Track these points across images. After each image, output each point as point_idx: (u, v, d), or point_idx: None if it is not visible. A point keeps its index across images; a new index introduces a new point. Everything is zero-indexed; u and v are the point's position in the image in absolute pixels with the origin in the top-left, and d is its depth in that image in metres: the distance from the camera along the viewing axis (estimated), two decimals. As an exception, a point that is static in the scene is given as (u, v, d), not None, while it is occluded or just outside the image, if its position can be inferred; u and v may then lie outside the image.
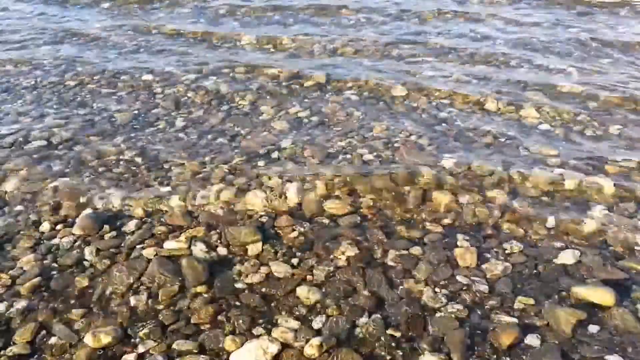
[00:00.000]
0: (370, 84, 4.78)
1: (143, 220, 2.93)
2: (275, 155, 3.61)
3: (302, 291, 2.41)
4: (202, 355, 2.10)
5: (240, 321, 2.25)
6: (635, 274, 2.53)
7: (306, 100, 4.51)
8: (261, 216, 2.95)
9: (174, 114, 4.26)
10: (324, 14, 7.16)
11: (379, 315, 2.28)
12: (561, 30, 6.44)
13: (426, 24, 6.78)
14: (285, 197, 3.09)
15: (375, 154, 3.57)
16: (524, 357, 2.09)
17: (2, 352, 2.12)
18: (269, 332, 2.19)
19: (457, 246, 2.69)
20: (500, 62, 5.40)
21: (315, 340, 2.12)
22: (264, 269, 2.55)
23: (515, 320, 2.25)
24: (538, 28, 6.53)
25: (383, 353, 2.11)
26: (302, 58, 5.62)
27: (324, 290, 2.43)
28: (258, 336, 2.17)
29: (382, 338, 2.18)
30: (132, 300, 2.38)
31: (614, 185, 3.18)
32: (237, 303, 2.36)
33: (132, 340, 2.18)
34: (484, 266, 2.57)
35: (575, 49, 5.80)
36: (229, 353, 2.10)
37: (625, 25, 6.71)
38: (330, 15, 7.13)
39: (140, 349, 2.13)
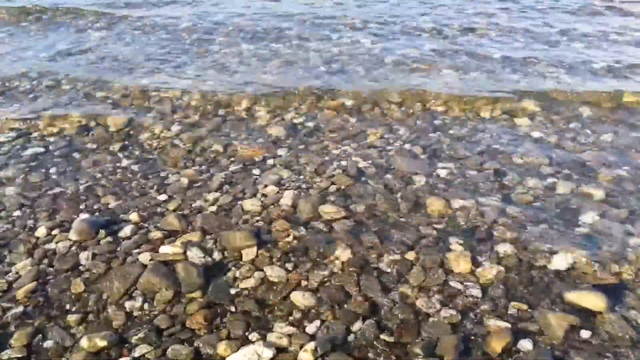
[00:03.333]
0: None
1: (139, 225, 2.94)
2: (271, 162, 3.65)
3: (296, 296, 2.42)
4: (197, 360, 2.11)
5: (235, 326, 2.27)
6: (627, 280, 2.55)
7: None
8: (257, 221, 2.96)
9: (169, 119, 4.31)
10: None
11: (373, 321, 2.30)
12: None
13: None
14: (280, 203, 3.11)
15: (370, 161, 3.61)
16: (516, 361, 2.11)
17: (-1, 356, 2.13)
18: (263, 337, 2.20)
19: (450, 251, 2.71)
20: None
21: (310, 345, 2.13)
22: (258, 274, 2.57)
23: (508, 325, 2.27)
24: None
25: (377, 358, 2.13)
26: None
27: (318, 295, 2.44)
28: (253, 341, 2.18)
29: (376, 343, 2.19)
30: (128, 305, 2.39)
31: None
32: (232, 308, 2.38)
33: (128, 344, 2.19)
34: (477, 271, 2.58)
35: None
36: (223, 358, 2.11)
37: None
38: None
39: (136, 353, 2.14)
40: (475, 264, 2.63)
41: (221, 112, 4.48)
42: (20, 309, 2.36)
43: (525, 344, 2.17)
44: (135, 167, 3.59)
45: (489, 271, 2.57)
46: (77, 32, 6.93)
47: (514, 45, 6.28)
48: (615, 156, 3.71)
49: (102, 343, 2.16)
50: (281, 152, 3.78)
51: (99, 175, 3.48)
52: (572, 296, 2.42)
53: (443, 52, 5.95)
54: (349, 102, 4.61)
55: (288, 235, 2.83)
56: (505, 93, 4.75)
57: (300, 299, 2.41)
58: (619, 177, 3.42)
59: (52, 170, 3.53)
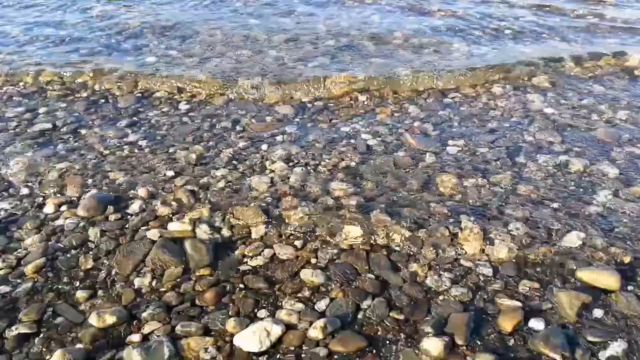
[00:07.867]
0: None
1: (147, 201, 2.93)
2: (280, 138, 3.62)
3: (306, 273, 2.41)
4: (206, 337, 2.10)
5: (244, 303, 2.26)
6: (640, 258, 2.52)
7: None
8: (265, 197, 2.94)
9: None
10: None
11: (382, 298, 2.28)
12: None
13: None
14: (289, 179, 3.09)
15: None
16: (528, 340, 2.09)
17: (8, 331, 2.13)
18: (272, 314, 2.20)
19: (461, 229, 2.68)
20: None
21: (319, 323, 2.12)
22: (268, 251, 2.55)
23: (519, 303, 2.25)
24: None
25: (387, 335, 2.12)
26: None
27: (328, 272, 2.43)
28: (262, 318, 2.18)
29: (386, 321, 2.18)
30: (137, 282, 2.38)
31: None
32: (241, 285, 2.37)
33: (137, 321, 2.18)
34: (488, 249, 2.55)
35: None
36: (232, 335, 2.10)
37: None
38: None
39: (145, 329, 2.13)
40: (487, 242, 2.60)
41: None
42: (29, 284, 2.36)
43: (537, 323, 2.15)
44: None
45: (500, 250, 2.54)
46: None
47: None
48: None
49: (111, 319, 2.16)
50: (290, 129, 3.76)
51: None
52: (585, 275, 2.39)
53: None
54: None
55: (297, 212, 2.80)
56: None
57: (309, 276, 2.40)
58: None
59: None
